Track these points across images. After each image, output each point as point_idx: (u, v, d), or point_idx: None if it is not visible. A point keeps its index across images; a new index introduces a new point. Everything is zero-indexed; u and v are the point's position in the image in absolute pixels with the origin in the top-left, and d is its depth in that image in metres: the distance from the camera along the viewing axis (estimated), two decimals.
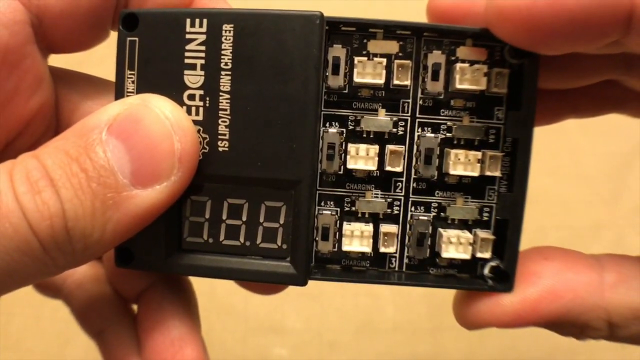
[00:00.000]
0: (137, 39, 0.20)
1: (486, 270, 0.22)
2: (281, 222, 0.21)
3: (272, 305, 0.44)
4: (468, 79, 0.20)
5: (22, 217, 0.17)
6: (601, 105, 0.27)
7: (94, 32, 0.22)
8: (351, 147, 0.21)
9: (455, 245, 0.21)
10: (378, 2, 0.49)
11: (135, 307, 0.26)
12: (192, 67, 0.20)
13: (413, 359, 0.44)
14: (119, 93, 0.21)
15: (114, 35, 0.23)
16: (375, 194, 0.22)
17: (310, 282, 0.43)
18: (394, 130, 0.21)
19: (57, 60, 0.23)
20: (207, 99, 0.20)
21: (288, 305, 0.44)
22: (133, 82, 0.21)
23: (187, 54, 0.20)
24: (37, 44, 0.21)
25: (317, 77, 0.20)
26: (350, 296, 0.45)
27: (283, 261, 0.21)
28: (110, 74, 0.24)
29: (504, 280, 0.21)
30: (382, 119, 0.21)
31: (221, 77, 0.20)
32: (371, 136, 0.21)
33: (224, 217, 0.21)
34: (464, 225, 0.22)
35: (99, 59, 0.26)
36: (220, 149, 0.20)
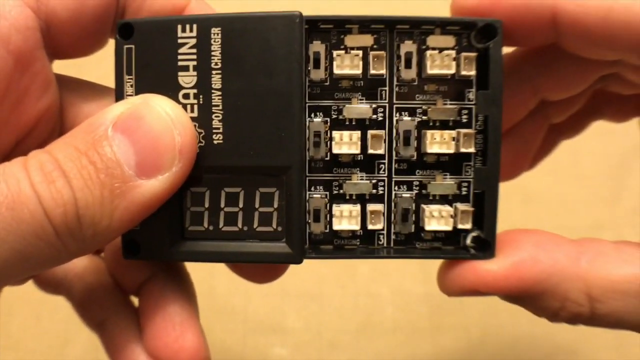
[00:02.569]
0: (133, 46, 0.22)
1: (468, 241, 0.24)
2: (275, 206, 0.23)
3: (271, 305, 0.45)
4: (438, 64, 0.22)
5: (38, 203, 0.19)
6: (584, 120, 0.31)
7: (95, 38, 0.24)
8: (335, 134, 0.23)
9: (437, 219, 0.23)
10: (376, 2, 0.50)
11: (136, 300, 0.27)
12: (185, 68, 0.22)
13: (413, 359, 0.44)
14: (119, 96, 0.22)
15: None
16: (360, 176, 0.24)
17: (311, 283, 0.45)
18: (374, 116, 0.23)
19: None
20: (201, 96, 0.22)
21: (288, 305, 0.45)
22: (132, 85, 0.22)
23: (180, 57, 0.22)
24: (45, 49, 0.23)
25: (300, 70, 0.22)
26: (350, 296, 0.46)
27: (279, 242, 0.23)
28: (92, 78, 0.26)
29: (486, 248, 0.23)
30: (362, 107, 0.23)
31: (212, 76, 0.22)
32: (353, 123, 0.23)
33: (222, 205, 0.23)
34: (444, 200, 0.24)
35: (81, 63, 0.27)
36: (215, 142, 0.22)
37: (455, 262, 0.23)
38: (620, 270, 0.22)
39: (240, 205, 0.23)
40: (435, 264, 0.25)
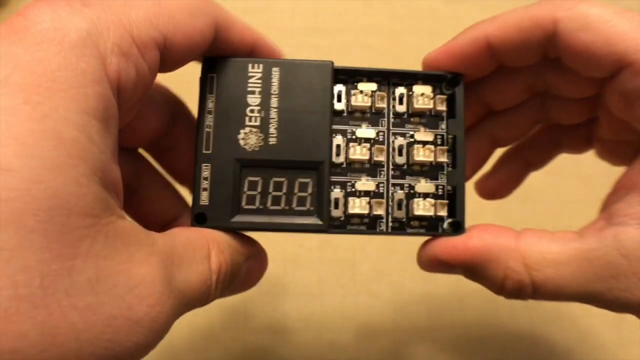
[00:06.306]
0: (215, 75, 0.32)
1: (445, 225, 0.33)
2: (309, 192, 0.32)
3: (272, 305, 0.46)
4: (422, 102, 0.33)
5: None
6: (546, 152, 0.38)
7: (184, 63, 0.30)
8: (351, 146, 0.33)
9: (423, 208, 0.33)
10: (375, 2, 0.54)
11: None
12: (253, 92, 0.32)
13: (413, 358, 0.46)
14: (202, 106, 0.31)
15: None
16: (367, 179, 0.33)
17: (311, 282, 0.49)
18: (377, 137, 0.33)
19: None
20: (263, 112, 0.31)
21: (288, 305, 0.47)
22: (212, 101, 0.31)
23: (249, 84, 0.32)
24: None
25: (330, 98, 0.32)
26: (350, 296, 0.47)
27: (312, 217, 0.32)
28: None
29: (458, 228, 0.32)
30: (368, 131, 0.33)
31: (271, 98, 0.32)
32: (363, 142, 0.33)
33: (270, 190, 0.32)
34: (427, 197, 0.33)
35: None
36: (270, 143, 0.31)
37: (430, 240, 0.33)
38: (550, 245, 0.28)
39: (284, 191, 0.32)
40: None
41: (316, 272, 0.49)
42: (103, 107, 0.22)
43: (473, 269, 0.30)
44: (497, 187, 0.40)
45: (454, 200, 0.33)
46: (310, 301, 0.47)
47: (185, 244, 0.26)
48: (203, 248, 0.27)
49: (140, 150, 0.35)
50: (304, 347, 0.45)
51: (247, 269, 0.32)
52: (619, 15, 0.27)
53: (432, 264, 0.32)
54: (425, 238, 0.34)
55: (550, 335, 0.48)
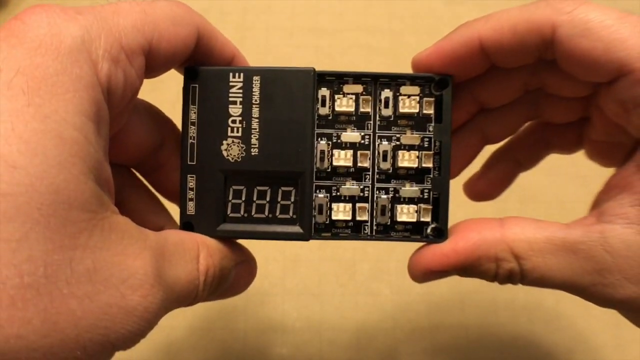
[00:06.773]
0: (197, 85, 0.32)
1: (429, 230, 0.33)
2: (292, 200, 0.32)
3: (272, 304, 0.47)
4: (408, 106, 0.33)
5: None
6: (535, 152, 0.38)
7: (165, 70, 0.31)
8: (335, 152, 0.33)
9: (406, 214, 0.33)
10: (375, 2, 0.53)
11: None
12: (234, 102, 0.32)
13: (412, 357, 0.46)
14: (185, 117, 0.32)
15: None
16: (352, 183, 0.33)
17: (311, 282, 0.49)
18: (362, 141, 0.33)
19: None
20: (244, 122, 0.32)
21: (288, 304, 0.47)
22: (195, 112, 0.32)
23: (230, 94, 0.32)
24: None
25: (312, 107, 0.32)
26: (349, 295, 0.48)
27: (294, 226, 0.32)
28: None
29: (440, 234, 0.32)
30: (354, 134, 0.33)
31: (253, 108, 0.32)
32: (348, 146, 0.33)
33: (255, 198, 0.32)
34: (412, 202, 0.33)
35: None
36: (252, 154, 0.32)
37: (417, 252, 0.32)
38: (536, 233, 0.28)
39: (267, 199, 0.32)
40: None
41: (316, 272, 0.49)
42: (96, 109, 0.23)
43: (467, 269, 0.30)
44: (487, 188, 0.40)
45: (438, 206, 0.33)
46: (310, 301, 0.48)
47: (176, 243, 0.28)
48: (192, 249, 0.29)
49: None
50: (304, 346, 0.45)
51: (235, 275, 0.33)
52: (621, 20, 0.26)
53: (426, 276, 0.32)
54: (411, 249, 0.33)
55: (549, 335, 0.48)
